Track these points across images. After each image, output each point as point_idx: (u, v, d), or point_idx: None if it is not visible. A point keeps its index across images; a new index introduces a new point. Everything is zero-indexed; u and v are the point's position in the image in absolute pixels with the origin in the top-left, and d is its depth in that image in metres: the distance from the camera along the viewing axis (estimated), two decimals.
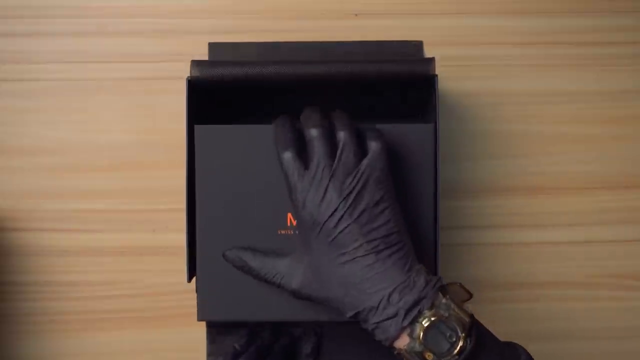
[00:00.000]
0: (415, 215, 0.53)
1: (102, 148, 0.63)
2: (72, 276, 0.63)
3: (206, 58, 0.63)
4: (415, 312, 0.45)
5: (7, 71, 0.62)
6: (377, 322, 0.45)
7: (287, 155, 0.47)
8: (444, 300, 0.46)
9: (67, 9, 0.62)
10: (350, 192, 0.46)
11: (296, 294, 0.49)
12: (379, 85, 0.55)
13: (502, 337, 0.60)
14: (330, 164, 0.46)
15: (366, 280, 0.46)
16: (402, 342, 0.45)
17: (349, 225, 0.46)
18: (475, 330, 0.46)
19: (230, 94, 0.58)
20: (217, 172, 0.52)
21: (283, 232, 0.52)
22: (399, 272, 0.46)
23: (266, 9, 0.63)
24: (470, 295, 0.48)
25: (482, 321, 0.62)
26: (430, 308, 0.45)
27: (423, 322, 0.45)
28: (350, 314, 0.47)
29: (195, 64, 0.53)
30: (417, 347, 0.45)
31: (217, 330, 0.62)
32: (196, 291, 0.52)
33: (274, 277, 0.50)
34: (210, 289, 0.52)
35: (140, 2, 0.63)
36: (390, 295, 0.45)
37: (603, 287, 0.63)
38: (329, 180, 0.46)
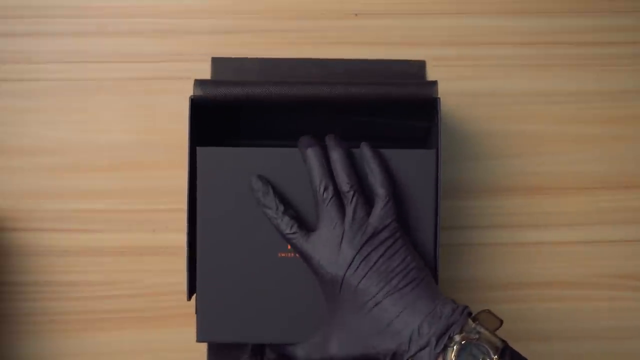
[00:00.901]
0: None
1: (102, 148, 0.63)
2: (72, 276, 0.63)
3: (207, 61, 0.63)
4: (446, 337, 0.46)
5: (7, 71, 0.62)
6: (411, 356, 0.46)
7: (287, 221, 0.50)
8: (473, 325, 0.46)
9: (67, 9, 0.62)
10: (363, 245, 0.48)
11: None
12: (381, 107, 0.55)
13: (501, 337, 0.59)
14: (340, 223, 0.49)
15: (395, 320, 0.47)
16: None
17: (367, 273, 0.48)
18: (510, 353, 0.46)
19: (232, 112, 0.58)
20: (218, 194, 0.52)
21: (283, 255, 0.52)
22: (425, 304, 0.47)
23: (266, 9, 0.63)
24: (501, 322, 0.48)
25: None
26: (460, 332, 0.46)
27: (454, 345, 0.46)
28: (387, 358, 0.47)
29: (199, 83, 0.54)
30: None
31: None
32: (196, 312, 0.53)
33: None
34: (210, 310, 0.52)
35: (140, 2, 0.63)
36: (419, 327, 0.46)
37: (603, 287, 0.63)
38: (341, 239, 0.48)
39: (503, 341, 0.46)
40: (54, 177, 0.63)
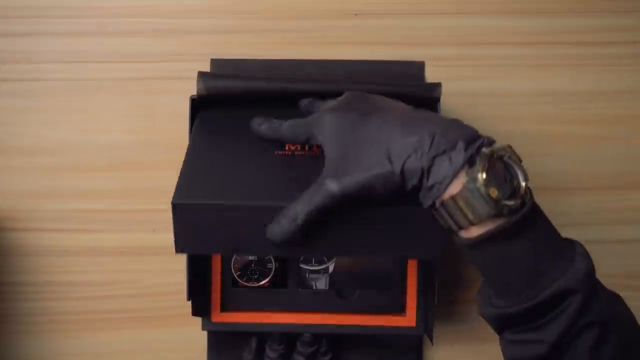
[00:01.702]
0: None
1: (102, 148, 0.63)
2: (72, 276, 0.63)
3: (207, 61, 0.63)
4: (477, 143, 0.40)
5: (7, 71, 0.62)
6: (433, 157, 0.40)
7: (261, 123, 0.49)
8: (502, 149, 0.41)
9: (67, 9, 0.62)
10: None
11: (339, 196, 0.42)
12: None
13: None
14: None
15: (408, 129, 0.41)
16: (459, 183, 0.40)
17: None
18: (532, 194, 0.41)
19: (234, 106, 0.58)
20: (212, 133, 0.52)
21: (280, 152, 0.50)
22: (442, 118, 0.42)
23: (266, 9, 0.63)
24: (520, 160, 0.42)
25: (483, 321, 0.62)
26: (491, 146, 0.40)
27: (485, 155, 0.39)
28: (398, 166, 0.41)
29: (201, 75, 0.53)
30: (480, 182, 0.39)
31: (218, 341, 0.63)
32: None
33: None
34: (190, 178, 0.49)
35: (140, 2, 0.63)
36: (444, 129, 0.40)
37: None
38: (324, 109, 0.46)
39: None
40: (54, 177, 0.62)
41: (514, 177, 0.40)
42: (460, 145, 0.40)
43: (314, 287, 0.60)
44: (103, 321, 0.63)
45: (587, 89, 0.64)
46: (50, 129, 0.63)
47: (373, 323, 0.60)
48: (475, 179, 0.39)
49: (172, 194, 0.62)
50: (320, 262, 0.60)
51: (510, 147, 0.42)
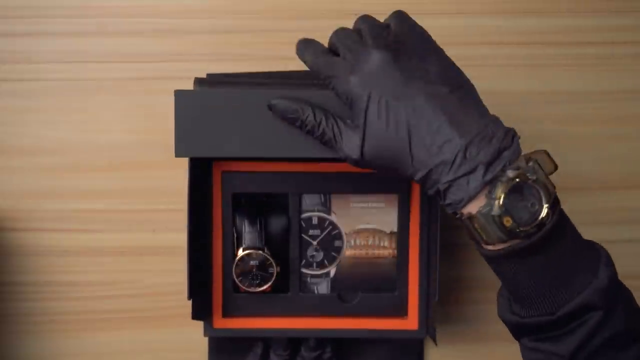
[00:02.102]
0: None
1: (102, 148, 0.63)
2: (72, 276, 0.63)
3: (207, 61, 0.63)
4: (498, 166, 0.39)
5: (7, 71, 0.62)
6: (452, 180, 0.39)
7: (313, 55, 0.46)
8: (530, 163, 0.40)
9: (67, 9, 0.62)
10: (393, 48, 0.42)
11: (359, 161, 0.43)
12: None
13: (502, 337, 0.60)
14: (358, 40, 0.44)
15: (436, 131, 0.40)
16: (476, 206, 0.39)
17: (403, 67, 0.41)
18: (559, 206, 0.40)
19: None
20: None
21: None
22: (474, 121, 0.40)
23: (266, 9, 0.63)
24: (556, 167, 0.42)
25: (483, 321, 0.62)
26: (516, 168, 0.39)
27: (506, 180, 0.39)
28: (420, 174, 0.41)
29: (199, 81, 0.53)
30: (496, 209, 0.39)
31: (219, 347, 0.63)
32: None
33: (332, 137, 0.44)
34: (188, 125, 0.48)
35: (140, 2, 0.63)
36: (467, 147, 0.39)
37: None
38: (372, 44, 0.43)
39: (554, 188, 0.40)
40: (54, 177, 0.63)
41: (536, 200, 0.39)
42: (480, 169, 0.39)
43: (316, 292, 0.60)
44: (103, 321, 0.63)
45: (587, 89, 0.64)
46: (50, 129, 0.63)
47: (375, 326, 0.60)
48: (491, 206, 0.39)
49: (172, 194, 0.63)
50: (322, 267, 0.60)
51: (545, 152, 0.42)
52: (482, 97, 0.63)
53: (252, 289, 0.58)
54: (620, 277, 0.64)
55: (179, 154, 0.48)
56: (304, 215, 0.59)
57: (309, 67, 0.46)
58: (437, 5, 0.63)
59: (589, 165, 0.64)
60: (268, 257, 0.57)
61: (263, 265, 0.58)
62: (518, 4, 0.63)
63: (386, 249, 0.60)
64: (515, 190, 0.39)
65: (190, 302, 0.55)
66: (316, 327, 0.59)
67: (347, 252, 0.60)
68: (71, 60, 0.63)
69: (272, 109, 0.46)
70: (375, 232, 0.60)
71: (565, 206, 0.65)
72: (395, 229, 0.59)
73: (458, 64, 0.63)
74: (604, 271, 0.41)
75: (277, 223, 0.59)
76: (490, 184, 0.39)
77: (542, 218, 0.39)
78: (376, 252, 0.60)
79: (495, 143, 0.40)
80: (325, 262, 0.60)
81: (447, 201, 0.41)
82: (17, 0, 0.62)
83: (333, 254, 0.60)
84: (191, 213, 0.54)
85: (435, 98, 0.41)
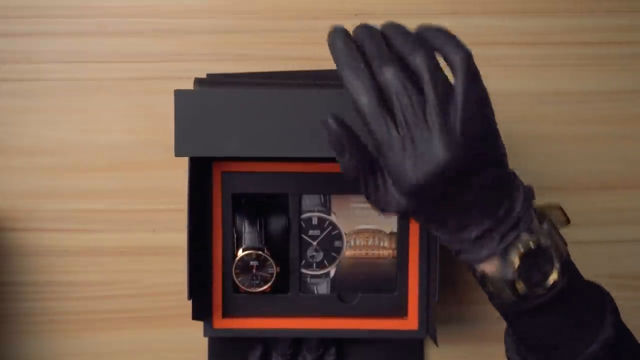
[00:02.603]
0: None
1: (102, 148, 0.63)
2: (72, 276, 0.63)
3: (207, 61, 0.63)
4: (513, 235, 0.40)
5: (7, 71, 0.62)
6: (468, 241, 0.41)
7: (369, 104, 0.39)
8: (545, 226, 0.41)
9: (67, 9, 0.62)
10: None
11: (405, 212, 0.42)
12: None
13: (501, 336, 0.60)
14: (418, 112, 0.38)
15: (466, 217, 0.41)
16: (490, 266, 0.41)
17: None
18: (571, 265, 0.41)
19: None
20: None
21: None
22: (500, 203, 0.40)
23: (266, 9, 0.63)
24: (569, 221, 0.43)
25: (483, 321, 0.62)
26: (530, 231, 0.40)
27: (520, 246, 0.40)
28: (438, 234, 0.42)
29: (199, 82, 0.53)
30: (510, 274, 0.40)
31: (219, 348, 0.63)
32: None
33: (369, 191, 0.42)
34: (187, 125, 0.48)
35: (140, 2, 0.63)
36: (488, 230, 0.41)
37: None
38: (437, 129, 0.38)
39: (566, 245, 0.41)
40: (54, 177, 0.62)
41: (548, 263, 0.40)
42: (496, 238, 0.40)
43: (316, 292, 0.60)
44: (103, 321, 0.63)
45: (587, 89, 0.64)
46: (50, 129, 0.63)
47: (375, 327, 0.60)
48: (505, 271, 0.40)
49: (172, 194, 0.63)
50: (322, 267, 0.60)
51: (560, 208, 0.43)
52: None
53: (252, 290, 0.58)
54: (620, 277, 0.64)
55: (178, 153, 0.48)
56: (304, 215, 0.59)
57: (361, 117, 0.40)
58: (437, 5, 0.63)
59: (589, 165, 0.64)
60: (268, 257, 0.57)
61: (263, 266, 0.58)
62: (518, 4, 0.63)
63: (386, 250, 0.60)
64: (530, 255, 0.40)
65: (190, 302, 0.55)
66: (316, 327, 0.59)
67: (347, 252, 0.60)
68: (71, 60, 0.63)
69: (325, 126, 0.43)
70: (375, 232, 0.60)
71: (566, 206, 0.65)
72: (395, 230, 0.60)
73: None
74: (609, 322, 0.43)
75: (277, 223, 0.59)
76: (505, 249, 0.40)
77: (554, 281, 0.40)
78: (376, 252, 0.60)
79: (513, 217, 0.40)
80: (325, 262, 0.60)
81: (462, 259, 0.42)
82: (17, 0, 0.62)
83: (333, 254, 0.60)
84: (191, 213, 0.54)
85: (476, 202, 0.40)
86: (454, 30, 0.64)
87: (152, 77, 0.63)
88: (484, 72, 0.64)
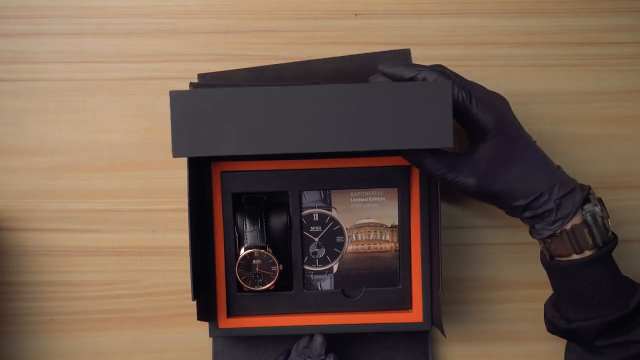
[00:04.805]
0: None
1: (102, 148, 0.63)
2: (72, 276, 0.63)
3: (207, 61, 0.63)
4: (585, 189, 0.54)
5: (7, 71, 0.62)
6: (560, 197, 0.53)
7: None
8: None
9: (67, 9, 0.62)
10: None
11: (474, 189, 0.53)
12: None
13: (502, 336, 0.60)
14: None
15: (532, 174, 0.53)
16: (577, 218, 0.53)
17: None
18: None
19: None
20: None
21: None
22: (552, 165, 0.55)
23: (266, 9, 0.63)
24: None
25: (483, 321, 0.62)
26: (592, 193, 0.55)
27: (594, 197, 0.54)
28: (525, 200, 0.53)
29: (201, 77, 0.53)
30: (599, 213, 0.53)
31: (224, 347, 0.62)
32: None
33: (449, 172, 0.52)
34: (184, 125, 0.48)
35: (140, 2, 0.63)
36: (560, 176, 0.54)
37: None
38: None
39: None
40: (54, 177, 0.63)
41: (607, 217, 0.54)
42: (577, 187, 0.54)
43: (319, 288, 0.60)
44: (103, 321, 0.63)
45: (587, 89, 0.64)
46: (50, 129, 0.63)
47: (380, 321, 0.59)
48: (594, 213, 0.53)
49: (172, 194, 0.63)
50: (324, 263, 0.60)
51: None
52: None
53: (255, 288, 0.58)
54: None
55: (176, 154, 0.48)
56: (305, 212, 0.59)
57: None
58: (437, 5, 0.63)
59: (589, 165, 0.64)
60: (270, 255, 0.57)
61: (266, 264, 0.58)
62: (518, 4, 0.63)
63: (388, 243, 0.60)
64: (601, 202, 0.54)
65: (193, 303, 0.55)
66: (321, 323, 0.59)
67: (349, 247, 0.60)
68: (71, 60, 0.63)
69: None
70: (376, 226, 0.60)
71: None
72: (396, 223, 0.60)
73: (458, 63, 0.63)
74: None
75: (278, 221, 0.59)
76: (585, 199, 0.53)
77: (611, 233, 0.54)
78: (378, 246, 0.60)
79: (572, 179, 0.55)
80: (328, 258, 0.60)
81: (558, 217, 0.53)
82: (16, 0, 0.62)
83: (335, 249, 0.60)
84: (192, 214, 0.54)
85: (530, 159, 0.54)
86: (454, 30, 0.64)
87: (152, 77, 0.63)
88: (484, 72, 0.64)
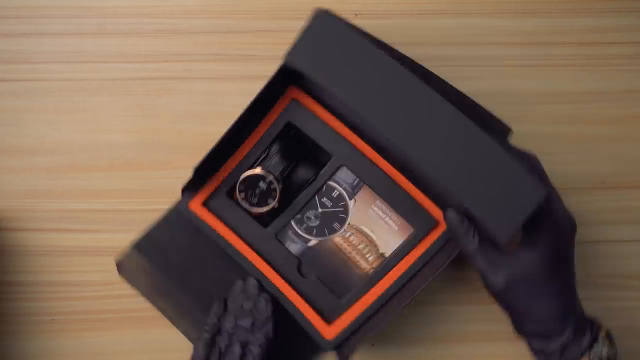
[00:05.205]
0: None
1: (102, 148, 0.63)
2: (72, 276, 0.63)
3: (207, 61, 0.63)
4: (594, 326, 0.53)
5: (7, 71, 0.62)
6: (567, 342, 0.51)
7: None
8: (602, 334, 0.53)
9: (67, 9, 0.63)
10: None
11: (502, 293, 0.52)
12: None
13: (502, 337, 0.60)
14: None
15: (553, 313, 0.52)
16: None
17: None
18: None
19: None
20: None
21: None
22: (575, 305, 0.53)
23: (266, 9, 0.63)
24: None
25: (483, 321, 0.62)
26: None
27: (604, 334, 0.52)
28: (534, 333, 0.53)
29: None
30: (606, 353, 0.51)
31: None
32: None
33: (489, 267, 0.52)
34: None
35: (140, 2, 0.63)
36: (577, 317, 0.52)
37: (603, 287, 0.63)
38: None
39: None
40: (54, 177, 0.63)
41: (613, 353, 0.52)
42: (588, 329, 0.52)
43: (286, 246, 0.59)
44: (103, 321, 0.63)
45: (587, 89, 0.64)
46: (50, 129, 0.63)
47: (303, 310, 0.58)
48: (601, 356, 0.51)
49: (172, 194, 0.63)
50: (309, 232, 0.59)
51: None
52: (482, 97, 0.63)
53: (243, 204, 0.58)
54: (620, 277, 0.64)
55: (288, 59, 0.50)
56: (330, 182, 0.59)
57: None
58: (437, 5, 0.63)
59: (589, 165, 0.64)
60: (277, 188, 0.57)
61: (267, 193, 0.57)
62: (518, 4, 0.63)
63: (368, 263, 0.59)
64: (610, 341, 0.53)
65: None
66: (262, 271, 0.58)
67: (337, 238, 0.59)
68: (71, 60, 0.63)
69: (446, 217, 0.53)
70: (371, 243, 0.59)
71: (566, 206, 0.65)
72: (387, 254, 0.58)
73: (458, 64, 0.63)
74: None
75: (303, 172, 0.59)
76: (594, 340, 0.52)
77: None
78: (358, 259, 0.59)
79: (587, 319, 0.53)
80: (315, 231, 0.59)
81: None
82: (16, 0, 0.62)
83: (326, 229, 0.59)
84: (244, 115, 0.54)
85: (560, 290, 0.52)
86: (454, 30, 0.64)
87: (152, 77, 0.63)
88: (484, 72, 0.64)
